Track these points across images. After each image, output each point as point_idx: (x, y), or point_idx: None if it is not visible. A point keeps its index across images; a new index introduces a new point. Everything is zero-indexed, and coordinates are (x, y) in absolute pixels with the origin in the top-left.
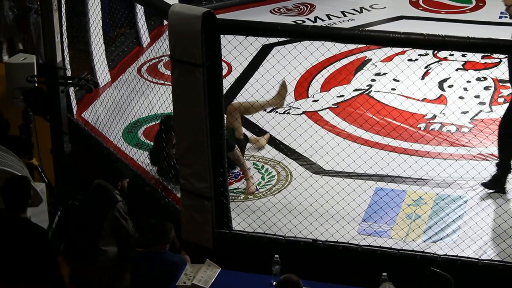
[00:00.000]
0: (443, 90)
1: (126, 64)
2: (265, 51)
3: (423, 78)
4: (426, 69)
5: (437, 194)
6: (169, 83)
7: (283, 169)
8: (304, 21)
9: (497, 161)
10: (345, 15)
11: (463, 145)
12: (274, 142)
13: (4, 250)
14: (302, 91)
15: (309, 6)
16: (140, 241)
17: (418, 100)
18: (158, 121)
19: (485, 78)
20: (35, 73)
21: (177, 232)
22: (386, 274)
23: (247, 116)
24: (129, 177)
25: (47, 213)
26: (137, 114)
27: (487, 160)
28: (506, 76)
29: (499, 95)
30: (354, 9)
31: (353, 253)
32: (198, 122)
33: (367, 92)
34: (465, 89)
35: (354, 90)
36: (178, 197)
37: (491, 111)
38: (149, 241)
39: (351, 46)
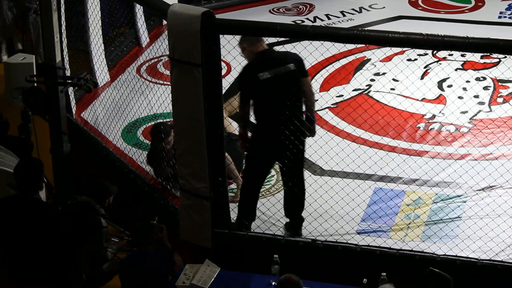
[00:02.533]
0: (442, 90)
1: (125, 64)
2: None
3: (422, 78)
4: (425, 69)
5: (436, 194)
6: (168, 83)
7: None
8: (303, 21)
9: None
10: (344, 15)
11: (462, 145)
12: None
13: (18, 231)
14: None
15: (308, 6)
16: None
17: (417, 100)
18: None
19: (484, 78)
20: (34, 73)
21: (175, 233)
22: (385, 274)
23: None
24: (114, 193)
25: None
26: (136, 114)
27: (486, 160)
28: (505, 76)
29: (498, 95)
30: (353, 9)
31: (352, 253)
32: (197, 122)
33: (366, 92)
34: (464, 89)
35: (353, 90)
36: (177, 197)
37: (490, 111)
38: (134, 242)
39: (350, 46)
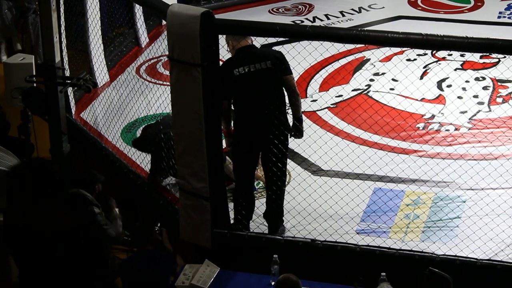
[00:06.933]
0: (441, 90)
1: (124, 64)
2: None
3: (421, 78)
4: (424, 69)
5: (436, 194)
6: (168, 83)
7: None
8: (302, 21)
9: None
10: (343, 15)
11: (461, 145)
12: None
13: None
14: (300, 91)
15: (307, 6)
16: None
17: (417, 100)
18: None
19: (483, 78)
20: (34, 73)
21: (175, 233)
22: (384, 274)
23: None
24: (101, 179)
25: None
26: (136, 114)
27: (486, 160)
28: (504, 76)
29: (498, 95)
30: (352, 9)
31: (352, 253)
32: (196, 122)
33: (365, 92)
34: (464, 89)
35: (353, 90)
36: (176, 197)
37: (490, 111)
38: (133, 242)
39: (350, 46)
